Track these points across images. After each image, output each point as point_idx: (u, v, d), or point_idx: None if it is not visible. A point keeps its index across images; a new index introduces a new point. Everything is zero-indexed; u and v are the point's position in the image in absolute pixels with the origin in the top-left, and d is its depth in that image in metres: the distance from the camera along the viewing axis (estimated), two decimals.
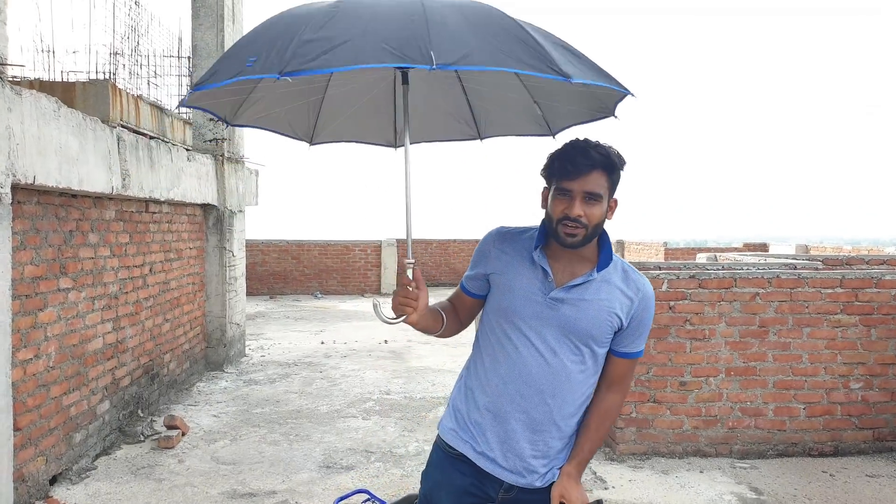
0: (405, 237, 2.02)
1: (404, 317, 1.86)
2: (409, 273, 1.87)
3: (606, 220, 1.82)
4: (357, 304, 13.96)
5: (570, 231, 1.76)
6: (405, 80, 2.00)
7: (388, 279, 15.93)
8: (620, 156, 1.79)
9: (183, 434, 5.28)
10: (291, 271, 15.61)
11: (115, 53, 6.49)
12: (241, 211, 8.12)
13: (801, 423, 4.88)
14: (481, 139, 2.53)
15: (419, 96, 2.27)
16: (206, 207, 7.50)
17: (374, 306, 2.02)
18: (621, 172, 1.80)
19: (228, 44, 7.58)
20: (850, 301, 4.91)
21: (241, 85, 1.94)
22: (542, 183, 1.88)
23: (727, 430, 4.84)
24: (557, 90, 2.08)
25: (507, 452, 1.89)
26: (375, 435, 5.43)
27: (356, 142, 2.60)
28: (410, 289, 1.85)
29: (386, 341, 9.59)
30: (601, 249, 1.87)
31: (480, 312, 2.04)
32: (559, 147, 1.81)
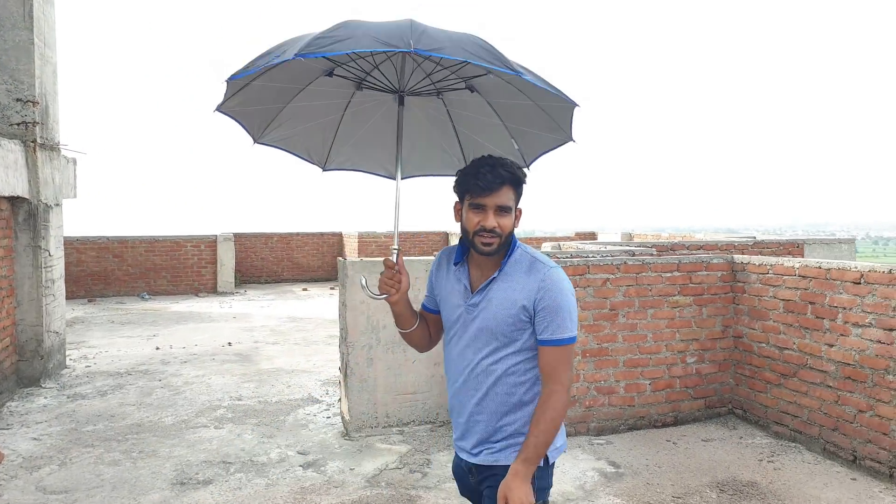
0: (392, 229, 2.40)
1: (386, 295, 2.15)
2: (394, 257, 2.18)
3: (514, 228, 2.03)
4: (192, 305, 13.04)
5: (486, 241, 1.95)
6: (401, 102, 2.41)
7: (226, 276, 15.06)
8: (523, 171, 2.01)
9: None
10: (113, 271, 14.25)
11: None
12: (58, 205, 7.21)
13: (647, 397, 5.25)
14: None
15: (417, 132, 2.69)
16: (14, 201, 6.56)
17: (361, 281, 2.37)
18: (524, 186, 2.02)
19: (38, 15, 6.68)
20: (686, 283, 5.36)
21: (271, 104, 2.47)
22: (452, 197, 2.09)
23: (584, 409, 5.08)
24: (524, 112, 2.45)
25: (465, 437, 2.11)
26: (232, 444, 5.06)
27: (362, 171, 2.90)
28: (394, 271, 2.15)
29: (230, 343, 9.04)
30: (506, 252, 2.04)
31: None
32: (469, 165, 2.00)
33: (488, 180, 1.92)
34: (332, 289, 16.24)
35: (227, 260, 15.04)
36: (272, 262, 17.96)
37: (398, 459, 4.73)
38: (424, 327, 2.27)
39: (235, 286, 15.46)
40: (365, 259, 5.41)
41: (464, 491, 2.21)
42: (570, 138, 2.47)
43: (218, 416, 5.74)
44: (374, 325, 5.32)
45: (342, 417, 5.46)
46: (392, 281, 2.13)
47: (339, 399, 5.67)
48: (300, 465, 4.65)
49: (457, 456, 2.20)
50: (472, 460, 2.08)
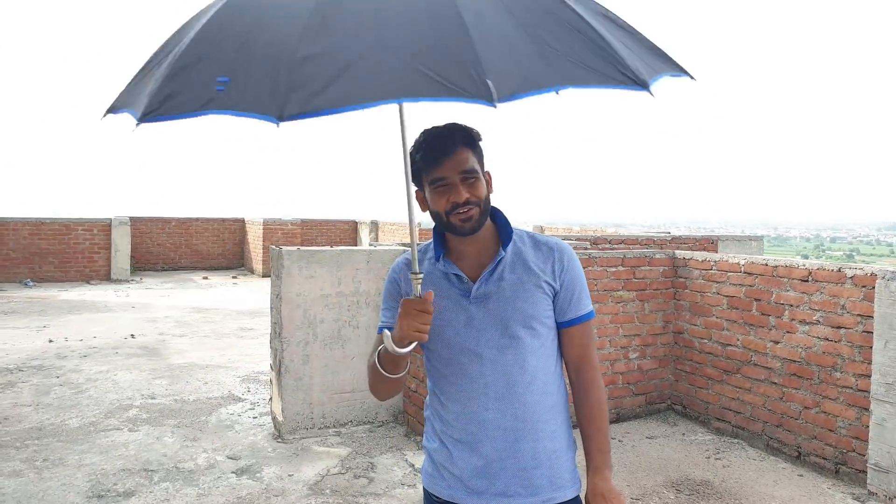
0: (409, 242, 1.68)
1: (415, 343, 1.55)
2: (418, 288, 1.56)
3: (490, 193, 1.68)
4: (84, 293, 11.97)
5: (464, 216, 1.61)
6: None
7: (121, 263, 13.96)
8: (476, 136, 1.68)
9: None
10: None
11: None
12: None
13: None
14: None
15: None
16: None
17: (387, 341, 1.57)
18: (481, 144, 1.69)
19: None
20: (629, 278, 5.34)
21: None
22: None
23: None
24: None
25: (492, 477, 1.65)
26: (152, 449, 4.56)
27: (362, 106, 1.89)
28: (427, 309, 1.53)
29: (133, 336, 8.30)
30: (500, 227, 1.72)
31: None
32: (413, 145, 1.65)
33: (439, 147, 1.61)
34: (234, 278, 15.46)
35: (122, 245, 13.95)
36: (169, 248, 16.88)
37: (339, 463, 4.41)
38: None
39: (131, 273, 14.38)
40: (303, 248, 5.03)
41: None
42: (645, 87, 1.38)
43: (131, 417, 5.18)
44: (311, 320, 4.95)
45: (274, 418, 5.06)
46: (424, 322, 1.53)
47: (270, 398, 5.26)
48: (233, 472, 4.24)
49: None
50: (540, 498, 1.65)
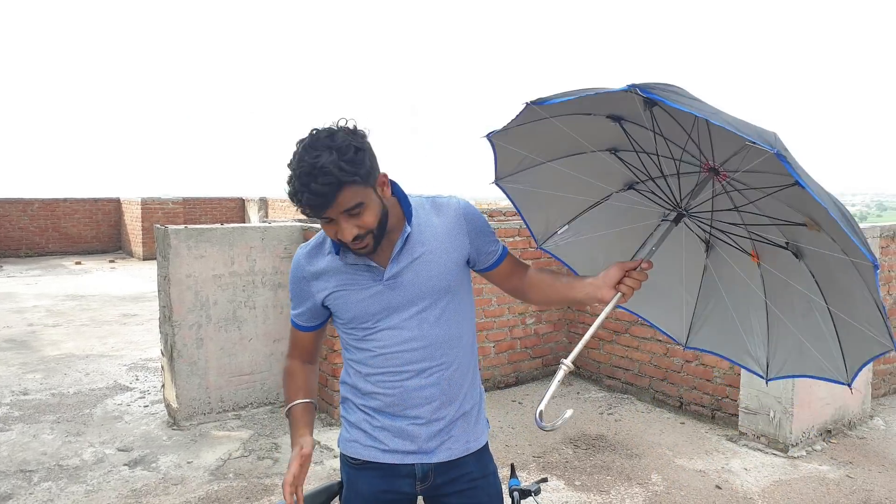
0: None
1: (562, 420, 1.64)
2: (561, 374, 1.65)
3: (385, 198, 1.59)
4: None
5: (357, 247, 1.56)
6: (676, 220, 1.74)
7: None
8: (359, 149, 1.49)
9: None
10: None
11: None
12: None
13: (492, 359, 5.33)
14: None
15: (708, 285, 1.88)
16: None
17: (565, 416, 1.65)
18: (368, 164, 1.51)
19: None
20: (526, 248, 5.49)
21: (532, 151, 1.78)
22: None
23: None
24: (849, 287, 1.56)
25: (413, 439, 1.69)
26: (28, 448, 4.23)
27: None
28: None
29: None
30: (402, 204, 1.68)
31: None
32: (287, 181, 1.51)
33: (315, 204, 1.47)
34: (111, 262, 14.54)
35: None
36: (34, 232, 15.60)
37: (241, 447, 4.29)
38: (309, 372, 1.80)
39: None
40: (191, 226, 4.78)
41: None
42: (891, 346, 1.50)
43: (1, 416, 4.77)
44: (204, 302, 4.74)
45: (167, 405, 4.83)
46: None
47: (162, 385, 5.01)
48: (125, 465, 4.02)
49: (369, 480, 1.71)
50: (431, 459, 1.68)
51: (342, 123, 1.53)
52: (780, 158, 1.24)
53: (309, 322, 1.76)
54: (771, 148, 1.23)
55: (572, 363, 1.66)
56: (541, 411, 1.62)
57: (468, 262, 1.73)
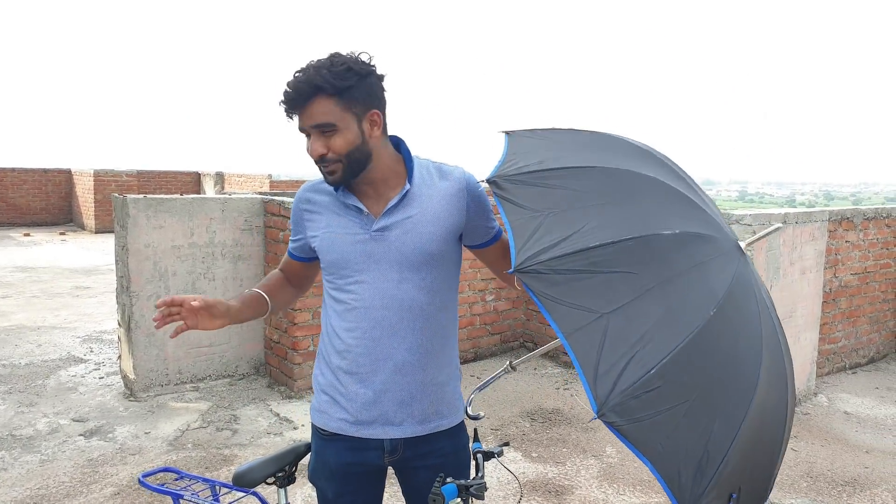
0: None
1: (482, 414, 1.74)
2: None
3: (372, 138, 1.58)
4: None
5: (326, 169, 1.58)
6: None
7: None
8: (351, 69, 1.52)
9: None
10: None
11: None
12: None
13: None
14: None
15: None
16: None
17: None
18: (366, 82, 1.54)
19: None
20: None
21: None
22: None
23: None
24: None
25: (381, 408, 1.65)
26: None
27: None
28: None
29: None
30: (406, 161, 1.68)
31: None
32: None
33: (291, 98, 1.53)
34: (62, 234, 14.15)
35: None
36: None
37: (200, 418, 4.28)
38: (284, 290, 1.86)
39: None
40: (150, 196, 4.70)
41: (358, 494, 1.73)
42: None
43: None
44: (162, 273, 4.68)
45: (124, 377, 4.77)
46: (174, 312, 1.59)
47: (119, 357, 4.94)
48: (80, 435, 3.98)
49: (337, 451, 1.68)
50: (401, 434, 1.65)
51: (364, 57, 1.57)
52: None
53: (299, 253, 1.80)
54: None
55: (513, 366, 1.73)
56: (470, 399, 1.73)
57: (461, 238, 1.70)
